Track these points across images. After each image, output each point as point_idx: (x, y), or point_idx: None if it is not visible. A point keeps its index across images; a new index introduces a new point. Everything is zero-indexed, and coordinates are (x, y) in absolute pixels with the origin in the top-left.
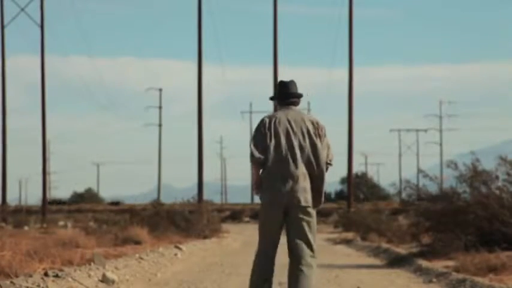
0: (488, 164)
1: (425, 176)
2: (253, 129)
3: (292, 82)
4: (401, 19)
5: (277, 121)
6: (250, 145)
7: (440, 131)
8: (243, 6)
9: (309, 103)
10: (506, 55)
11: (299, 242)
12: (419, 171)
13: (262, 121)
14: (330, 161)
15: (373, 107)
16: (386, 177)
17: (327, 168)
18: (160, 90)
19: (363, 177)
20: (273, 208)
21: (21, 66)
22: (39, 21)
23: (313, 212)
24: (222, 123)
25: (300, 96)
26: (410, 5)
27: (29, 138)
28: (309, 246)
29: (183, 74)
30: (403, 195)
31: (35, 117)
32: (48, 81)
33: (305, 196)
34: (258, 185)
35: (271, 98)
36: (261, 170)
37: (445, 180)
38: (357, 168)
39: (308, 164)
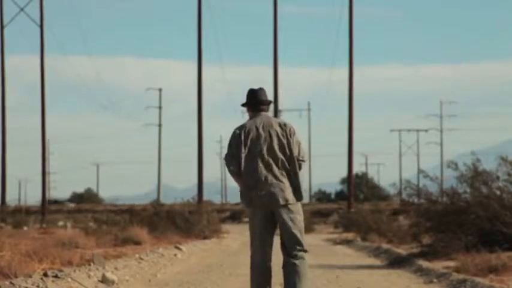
0: (488, 164)
1: (426, 176)
2: (228, 141)
3: (261, 90)
4: (402, 19)
5: (246, 130)
6: (224, 158)
7: (441, 131)
8: (243, 6)
9: (309, 103)
10: (507, 55)
11: (287, 238)
12: (419, 171)
13: (233, 133)
14: (302, 157)
15: (374, 107)
16: (386, 177)
17: (300, 165)
18: (160, 90)
19: (363, 178)
20: (256, 211)
21: (21, 66)
22: (38, 20)
23: (294, 207)
24: (222, 123)
25: (269, 103)
26: (410, 4)
27: (29, 138)
28: (296, 240)
29: (183, 73)
30: (404, 195)
31: (35, 117)
32: (48, 81)
33: (282, 195)
34: (247, 198)
35: (243, 105)
36: None
37: (445, 180)
38: (357, 169)
39: (281, 164)
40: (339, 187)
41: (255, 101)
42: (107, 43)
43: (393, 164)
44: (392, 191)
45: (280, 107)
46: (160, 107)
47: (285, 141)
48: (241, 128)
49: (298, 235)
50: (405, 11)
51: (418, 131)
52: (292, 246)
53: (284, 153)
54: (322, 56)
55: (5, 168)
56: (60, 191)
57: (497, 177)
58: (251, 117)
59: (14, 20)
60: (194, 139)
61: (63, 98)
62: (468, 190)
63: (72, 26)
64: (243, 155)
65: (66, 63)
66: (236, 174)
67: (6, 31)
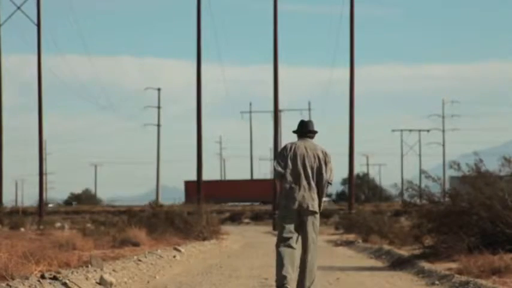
0: (491, 164)
1: (428, 176)
2: (278, 151)
3: (310, 122)
4: (403, 18)
5: (296, 147)
6: (274, 162)
7: (443, 131)
8: (243, 5)
9: (309, 103)
10: (510, 54)
11: (306, 235)
12: (421, 172)
13: (285, 146)
14: (331, 181)
15: (375, 106)
16: (388, 178)
17: (327, 186)
18: (159, 89)
19: (365, 178)
20: (289, 210)
21: (18, 65)
22: (35, 19)
23: (316, 215)
24: (222, 123)
25: (315, 132)
26: (411, 4)
27: (26, 138)
28: (313, 243)
29: (182, 73)
30: (405, 196)
31: (32, 117)
32: (45, 81)
33: (312, 203)
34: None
35: (294, 132)
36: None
37: (447, 181)
38: (358, 169)
39: (315, 181)
40: (340, 188)
41: (304, 130)
42: (105, 42)
43: (395, 165)
44: (393, 191)
45: (280, 106)
46: (159, 107)
47: (323, 165)
48: (293, 144)
49: (315, 234)
50: (406, 10)
51: (419, 131)
52: (308, 241)
53: (319, 174)
54: (323, 55)
55: (2, 168)
56: (58, 191)
57: (500, 178)
58: (299, 140)
59: (10, 18)
60: (193, 139)
61: (61, 97)
62: (470, 191)
63: (69, 25)
64: (290, 164)
65: (64, 63)
66: (281, 175)
67: (2, 30)
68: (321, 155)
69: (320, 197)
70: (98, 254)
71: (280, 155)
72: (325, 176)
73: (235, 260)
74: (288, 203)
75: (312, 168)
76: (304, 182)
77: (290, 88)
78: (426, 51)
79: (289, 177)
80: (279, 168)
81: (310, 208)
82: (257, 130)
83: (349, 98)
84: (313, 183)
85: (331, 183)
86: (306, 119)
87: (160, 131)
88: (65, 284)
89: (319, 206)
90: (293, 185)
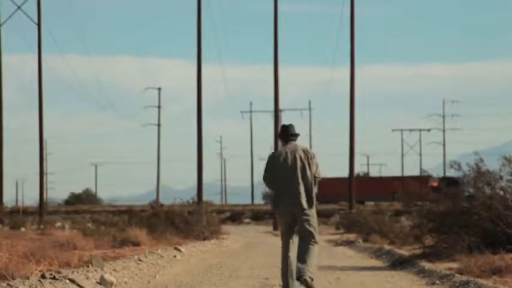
0: (491, 164)
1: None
2: (265, 162)
3: (291, 125)
4: (403, 18)
5: (277, 155)
6: (262, 175)
7: (443, 130)
8: (243, 4)
9: (310, 102)
10: (510, 55)
11: (304, 233)
12: (422, 171)
13: (269, 156)
14: (318, 175)
15: (375, 106)
16: None
17: (315, 181)
18: (159, 89)
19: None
20: (285, 214)
21: (18, 64)
22: (36, 19)
23: (310, 211)
24: (222, 123)
25: (296, 135)
26: (412, 3)
27: (26, 138)
28: (311, 235)
29: (182, 73)
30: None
31: (32, 117)
32: (45, 80)
33: (303, 203)
34: (274, 203)
35: (278, 136)
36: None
37: None
38: (358, 169)
39: (302, 180)
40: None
41: (286, 134)
42: (106, 42)
43: (395, 164)
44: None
45: (280, 106)
46: (159, 107)
47: (306, 163)
48: (275, 152)
49: (313, 231)
50: (406, 9)
51: (420, 130)
52: (307, 238)
53: (304, 172)
54: (323, 55)
55: (2, 168)
56: (58, 191)
57: (501, 178)
58: (283, 145)
59: (11, 18)
60: (194, 139)
61: (61, 97)
62: (471, 191)
63: (70, 25)
64: (277, 173)
65: (64, 62)
66: (270, 187)
67: (3, 29)
68: (302, 154)
69: (309, 193)
70: (98, 253)
71: (267, 166)
72: (311, 173)
73: (235, 260)
74: (281, 208)
75: (294, 170)
76: (290, 185)
77: (290, 88)
78: (426, 51)
79: (276, 185)
80: (266, 181)
81: (298, 207)
82: (257, 130)
83: (349, 97)
84: (298, 184)
85: (319, 178)
86: (287, 123)
87: (160, 131)
88: (65, 283)
89: (311, 200)
90: (281, 191)
